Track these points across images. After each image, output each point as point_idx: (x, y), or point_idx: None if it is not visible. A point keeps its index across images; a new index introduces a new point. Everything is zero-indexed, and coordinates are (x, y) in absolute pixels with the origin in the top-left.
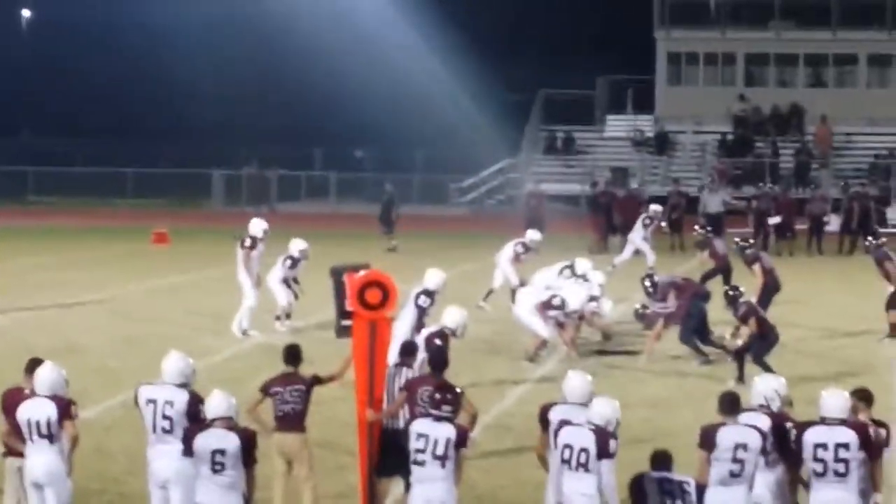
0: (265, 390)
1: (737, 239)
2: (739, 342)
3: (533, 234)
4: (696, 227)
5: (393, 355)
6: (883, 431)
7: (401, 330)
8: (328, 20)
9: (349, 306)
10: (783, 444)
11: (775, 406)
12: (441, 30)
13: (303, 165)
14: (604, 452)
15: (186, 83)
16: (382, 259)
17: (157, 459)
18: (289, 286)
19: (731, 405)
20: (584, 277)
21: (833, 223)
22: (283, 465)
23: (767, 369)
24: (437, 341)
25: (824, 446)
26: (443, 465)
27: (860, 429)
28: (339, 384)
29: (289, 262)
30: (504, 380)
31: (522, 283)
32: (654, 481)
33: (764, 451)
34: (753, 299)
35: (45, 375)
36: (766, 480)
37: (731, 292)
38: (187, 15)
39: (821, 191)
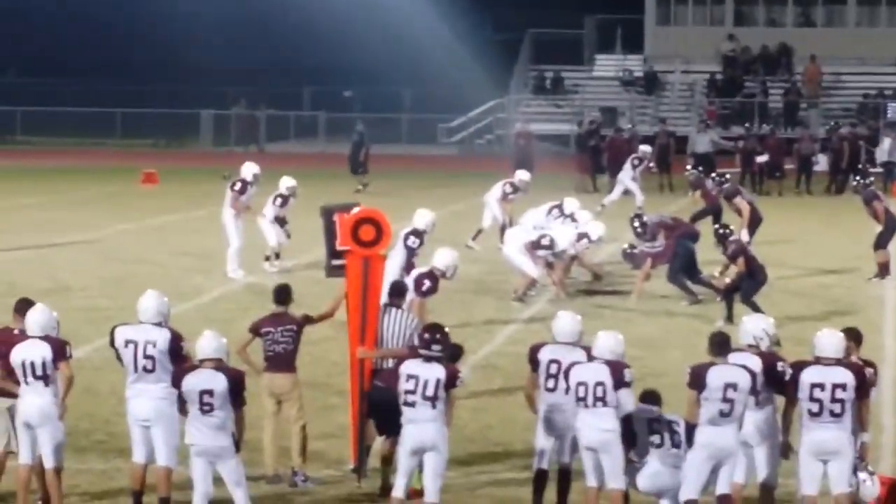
0: (255, 330)
1: (713, 175)
2: (728, 281)
3: (522, 174)
4: (688, 167)
5: (383, 296)
6: (871, 371)
7: (390, 270)
8: None
9: (341, 245)
10: (775, 382)
11: (764, 346)
12: None
13: (291, 105)
14: (621, 382)
15: (175, 23)
16: (371, 198)
17: (137, 398)
18: (280, 225)
19: (720, 345)
20: (572, 217)
21: (821, 163)
22: (273, 406)
23: (756, 309)
24: (427, 282)
25: (821, 386)
26: (433, 406)
27: (857, 369)
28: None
29: (279, 200)
30: (493, 320)
31: (511, 223)
32: (644, 421)
33: (753, 391)
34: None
35: (37, 317)
36: (754, 420)
37: (720, 230)
38: None
39: (809, 131)
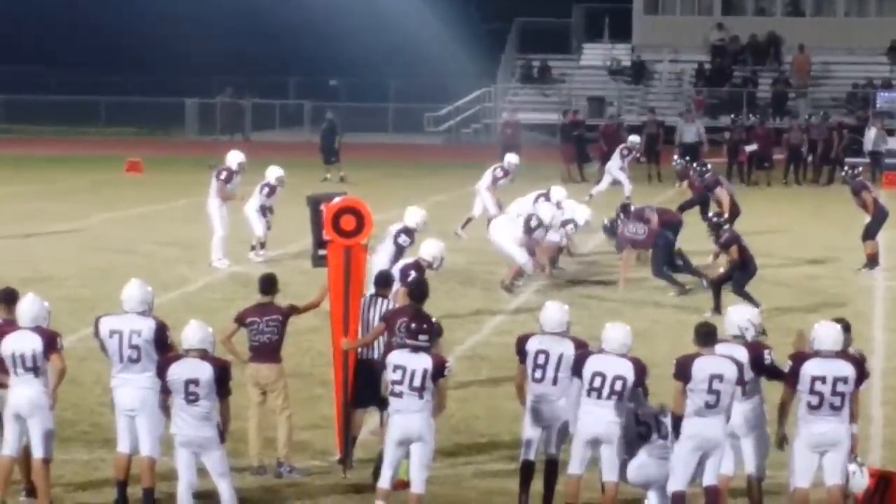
0: (240, 320)
1: (694, 164)
2: (721, 270)
3: (511, 158)
4: (675, 157)
5: (369, 286)
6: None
7: (378, 265)
8: None
9: (326, 234)
10: (761, 371)
11: (749, 336)
12: None
13: (277, 94)
14: (641, 381)
15: (160, 11)
16: (358, 188)
17: (122, 388)
18: (265, 215)
19: (706, 336)
20: (558, 205)
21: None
22: (258, 396)
23: (749, 299)
24: (413, 272)
25: (822, 379)
26: (420, 397)
27: (857, 362)
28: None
29: (266, 189)
30: (480, 310)
31: (502, 210)
32: (630, 412)
33: (740, 382)
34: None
35: (28, 307)
36: (741, 411)
37: (714, 218)
38: None
39: (798, 121)
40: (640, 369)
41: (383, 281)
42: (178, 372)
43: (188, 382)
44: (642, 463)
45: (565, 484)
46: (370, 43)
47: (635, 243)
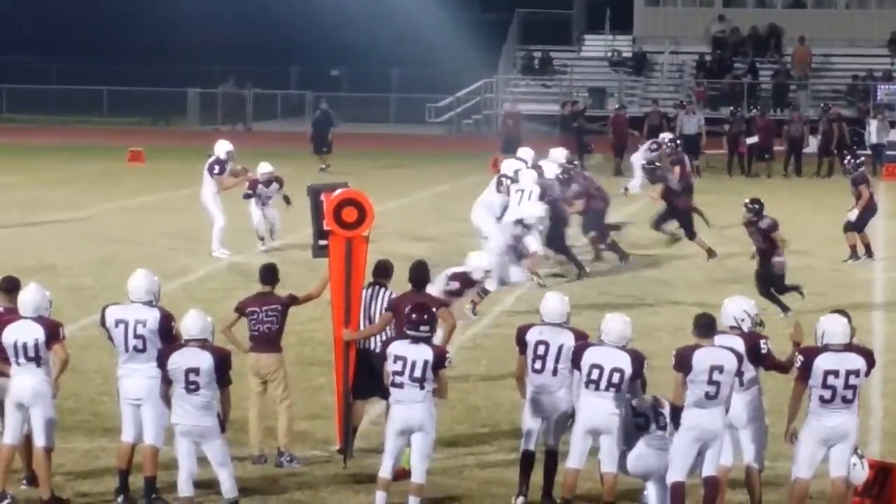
0: (241, 310)
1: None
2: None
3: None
4: (668, 141)
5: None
6: None
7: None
8: None
9: (327, 225)
10: (758, 361)
11: (746, 327)
12: None
13: (278, 84)
14: (639, 373)
15: (163, 1)
16: (361, 178)
17: (128, 377)
18: (261, 206)
19: (706, 327)
20: (514, 179)
21: (811, 145)
22: (259, 386)
23: (778, 302)
24: (457, 283)
25: (836, 373)
26: (421, 387)
27: (867, 353)
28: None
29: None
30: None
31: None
32: (629, 402)
33: (739, 373)
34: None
35: (31, 297)
36: (741, 401)
37: (754, 205)
38: None
39: (799, 112)
40: (638, 362)
41: (383, 270)
42: (179, 361)
43: (188, 372)
44: (641, 454)
45: (564, 476)
46: (372, 33)
47: (566, 201)
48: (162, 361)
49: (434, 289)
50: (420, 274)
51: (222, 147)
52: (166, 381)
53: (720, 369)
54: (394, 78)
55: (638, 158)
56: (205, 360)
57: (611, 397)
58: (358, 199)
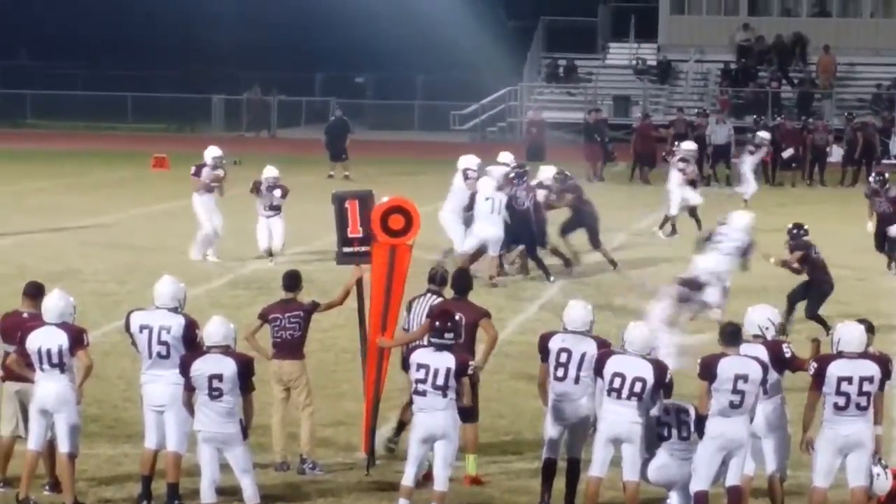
0: (264, 317)
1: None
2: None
3: (687, 145)
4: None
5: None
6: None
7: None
8: None
9: (351, 233)
10: (782, 367)
11: (769, 335)
12: None
13: (303, 91)
14: (662, 382)
15: (187, 8)
16: (384, 185)
17: (152, 384)
18: (270, 211)
19: (731, 336)
20: (465, 174)
21: (835, 154)
22: (282, 392)
23: (822, 323)
24: (686, 288)
25: (849, 380)
26: (444, 395)
27: (882, 361)
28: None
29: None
30: (503, 308)
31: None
32: (653, 411)
33: (764, 382)
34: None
35: (55, 303)
36: (763, 410)
37: (796, 230)
38: None
39: (823, 121)
40: (661, 371)
41: (440, 279)
42: (202, 368)
43: (212, 378)
44: (664, 463)
45: (586, 484)
46: (397, 40)
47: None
48: (185, 368)
49: (663, 294)
50: (462, 281)
51: (209, 153)
52: (189, 388)
53: (745, 378)
54: (418, 85)
55: (748, 166)
56: (228, 367)
57: (633, 406)
58: (406, 206)
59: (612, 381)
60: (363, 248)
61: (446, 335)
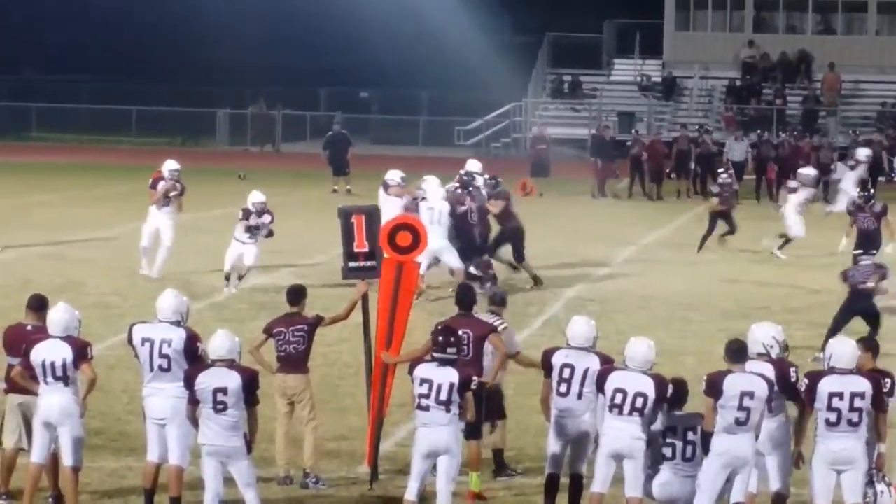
0: (268, 331)
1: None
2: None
3: (806, 170)
4: (725, 171)
5: None
6: (888, 381)
7: None
8: None
9: (357, 247)
10: (788, 390)
11: (774, 353)
12: None
13: (308, 105)
14: (663, 397)
15: (192, 22)
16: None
17: (153, 397)
18: (252, 237)
19: (737, 353)
20: (423, 197)
21: (839, 171)
22: (285, 407)
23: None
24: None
25: (840, 395)
26: (447, 410)
27: (874, 379)
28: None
29: (241, 213)
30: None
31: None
32: (656, 428)
33: (769, 400)
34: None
35: (59, 317)
36: (767, 428)
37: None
38: None
39: (828, 139)
40: (662, 386)
41: (500, 300)
42: (206, 381)
43: (216, 391)
44: (667, 480)
45: (589, 500)
46: (402, 55)
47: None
48: (189, 382)
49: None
50: (466, 297)
51: (167, 165)
52: (193, 402)
53: (751, 395)
54: (423, 100)
55: (849, 182)
56: (232, 380)
57: (635, 422)
58: (413, 224)
59: (613, 397)
60: (369, 263)
61: (449, 350)
